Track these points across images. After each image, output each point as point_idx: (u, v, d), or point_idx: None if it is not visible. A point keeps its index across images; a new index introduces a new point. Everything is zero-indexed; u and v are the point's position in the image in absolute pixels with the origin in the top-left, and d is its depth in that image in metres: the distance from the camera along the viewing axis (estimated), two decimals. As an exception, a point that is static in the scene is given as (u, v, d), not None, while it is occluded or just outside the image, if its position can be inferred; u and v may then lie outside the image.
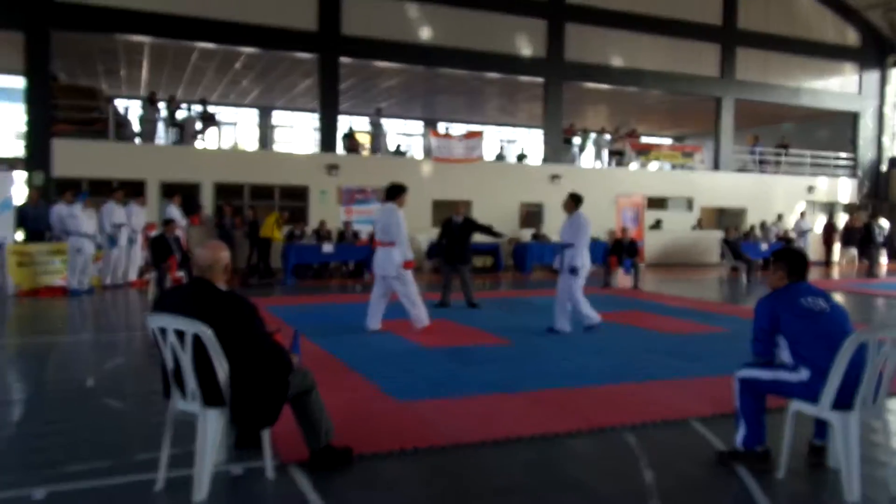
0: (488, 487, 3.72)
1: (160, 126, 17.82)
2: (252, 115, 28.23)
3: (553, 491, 3.70)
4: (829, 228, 22.58)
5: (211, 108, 20.11)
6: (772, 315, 3.90)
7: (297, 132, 23.67)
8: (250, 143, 25.14)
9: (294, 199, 18.53)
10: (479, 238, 12.13)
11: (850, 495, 3.53)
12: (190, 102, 20.47)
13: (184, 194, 15.65)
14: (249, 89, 24.78)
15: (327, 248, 15.51)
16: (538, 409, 5.07)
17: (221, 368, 3.39)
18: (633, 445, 4.36)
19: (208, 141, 18.74)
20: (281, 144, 22.65)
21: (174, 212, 14.29)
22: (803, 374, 3.73)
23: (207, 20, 17.27)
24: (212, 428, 3.45)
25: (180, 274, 11.26)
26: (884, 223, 20.89)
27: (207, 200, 17.00)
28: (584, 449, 4.35)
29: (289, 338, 4.40)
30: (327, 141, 18.55)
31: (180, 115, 18.25)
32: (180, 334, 3.36)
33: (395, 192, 8.37)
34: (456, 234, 10.82)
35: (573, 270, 8.41)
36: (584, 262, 8.48)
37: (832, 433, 3.86)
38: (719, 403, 5.17)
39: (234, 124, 24.14)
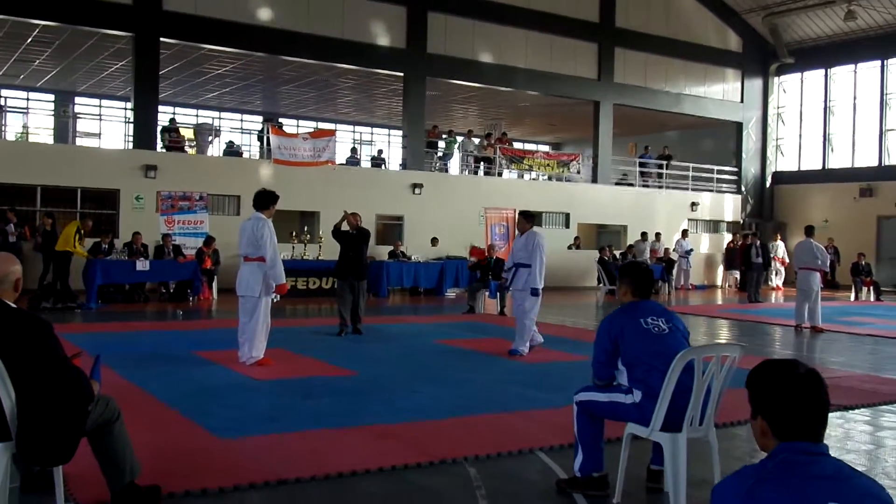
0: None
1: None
2: (47, 100, 27.07)
3: (383, 525, 4.10)
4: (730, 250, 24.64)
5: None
6: (612, 336, 4.51)
7: (105, 123, 23.01)
8: (44, 135, 24.14)
9: (101, 206, 18.08)
10: (326, 254, 12.44)
11: (678, 516, 4.16)
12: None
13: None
14: (44, 69, 23.81)
15: (142, 265, 15.26)
16: (378, 443, 5.47)
17: (7, 397, 3.53)
18: (474, 476, 4.85)
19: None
20: (85, 138, 21.94)
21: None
22: (636, 396, 4.35)
23: (-9, -17, 16.63)
24: (-6, 466, 3.58)
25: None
26: (779, 244, 23.08)
27: (-13, 205, 16.25)
28: (422, 482, 4.79)
29: (88, 365, 4.55)
30: (143, 136, 18.25)
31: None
32: (-42, 359, 3.48)
33: (264, 201, 8.57)
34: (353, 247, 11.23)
35: (535, 292, 9.36)
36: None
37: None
38: (570, 433, 5.77)
39: (24, 111, 23.16)
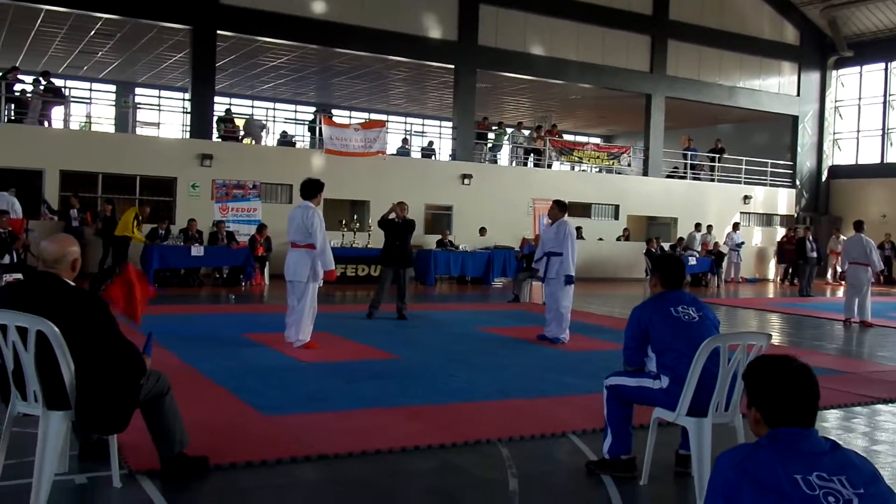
0: (343, 499, 4.28)
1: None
2: (109, 91, 27.87)
3: (414, 501, 4.29)
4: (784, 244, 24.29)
5: (57, 81, 19.90)
6: (643, 324, 4.63)
7: (164, 113, 23.62)
8: (106, 124, 24.88)
9: (158, 193, 18.59)
10: (374, 243, 12.72)
11: (700, 500, 4.27)
12: (33, 73, 20.19)
13: (22, 184, 15.52)
14: (106, 61, 24.54)
15: (197, 250, 15.70)
16: (415, 424, 5.67)
17: (67, 369, 3.80)
18: (506, 457, 5.01)
19: (54, 120, 18.55)
20: (144, 128, 22.57)
21: (10, 201, 14.22)
22: (664, 382, 4.46)
23: (57, -22, 17.22)
24: (54, 431, 3.85)
25: (16, 276, 11.30)
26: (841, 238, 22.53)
27: (52, 192, 16.85)
28: (455, 461, 4.96)
29: (142, 343, 4.82)
30: (200, 126, 18.73)
31: (20, 88, 18.02)
32: (22, 331, 3.75)
33: (311, 190, 8.84)
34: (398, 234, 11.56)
35: (569, 280, 9.56)
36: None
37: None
38: (603, 418, 5.90)
39: (87, 101, 23.89)
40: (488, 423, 5.76)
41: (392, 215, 11.57)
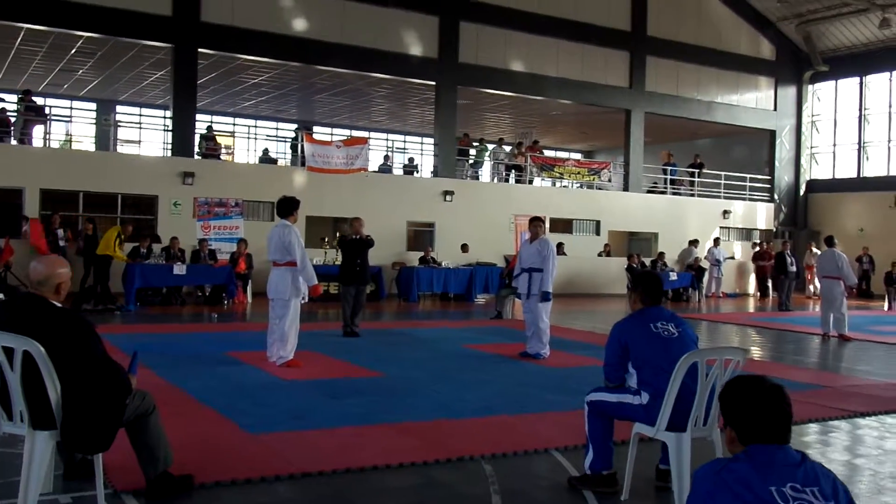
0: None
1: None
2: (90, 109, 27.80)
3: (400, 515, 4.34)
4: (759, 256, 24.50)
5: (38, 99, 19.86)
6: (623, 340, 4.72)
7: (145, 131, 23.58)
8: (87, 142, 24.80)
9: (140, 211, 18.58)
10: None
11: (680, 513, 4.35)
12: (13, 92, 20.14)
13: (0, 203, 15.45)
14: (87, 79, 24.52)
15: (179, 269, 15.68)
16: (399, 440, 5.72)
17: (53, 389, 3.83)
18: (489, 473, 5.07)
19: (34, 138, 18.50)
20: (125, 145, 22.52)
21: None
22: (644, 398, 4.54)
23: (38, -3, 17.23)
24: (39, 450, 3.88)
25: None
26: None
27: (32, 210, 16.78)
28: (439, 477, 5.01)
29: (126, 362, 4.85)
30: (181, 143, 18.74)
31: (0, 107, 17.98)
32: (8, 351, 3.78)
33: (287, 208, 8.99)
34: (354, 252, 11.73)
35: (546, 296, 9.63)
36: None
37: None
38: (584, 434, 5.97)
39: (68, 119, 23.82)
40: (471, 440, 5.82)
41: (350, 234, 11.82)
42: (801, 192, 28.88)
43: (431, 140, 24.17)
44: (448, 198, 21.15)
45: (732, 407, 2.45)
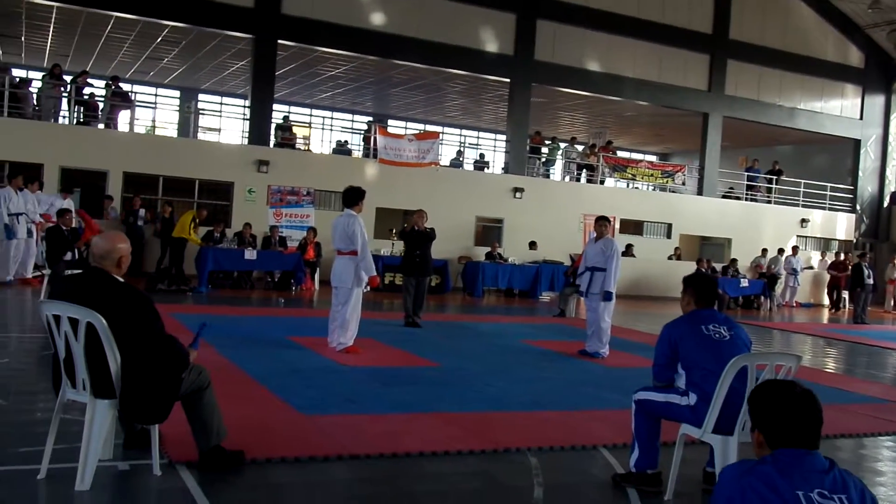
0: (368, 498, 4.42)
1: (63, 103, 18.21)
2: (173, 96, 28.65)
3: (436, 503, 4.40)
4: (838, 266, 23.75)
5: (125, 86, 20.56)
6: (673, 340, 4.69)
7: (225, 120, 24.20)
8: (169, 128, 25.55)
9: (216, 197, 19.06)
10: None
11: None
12: (101, 78, 20.89)
13: (87, 185, 16.06)
14: (171, 67, 25.29)
15: (250, 254, 16.05)
16: (446, 429, 5.78)
17: (114, 360, 4.01)
18: (534, 466, 5.09)
19: (120, 123, 19.17)
20: (205, 133, 23.16)
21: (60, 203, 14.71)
22: (691, 399, 4.50)
23: (128, -14, 17.83)
24: (100, 418, 4.07)
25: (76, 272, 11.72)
26: None
27: (115, 192, 17.43)
28: (482, 467, 5.06)
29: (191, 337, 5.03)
30: (258, 132, 19.15)
31: (88, 91, 18.67)
32: (73, 322, 3.98)
33: (353, 198, 9.10)
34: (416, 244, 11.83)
35: (608, 296, 9.66)
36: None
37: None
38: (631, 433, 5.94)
39: (153, 106, 24.60)
40: (519, 432, 5.84)
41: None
42: (885, 204, 27.87)
43: (504, 137, 24.15)
44: (518, 195, 21.11)
45: (761, 410, 2.46)
